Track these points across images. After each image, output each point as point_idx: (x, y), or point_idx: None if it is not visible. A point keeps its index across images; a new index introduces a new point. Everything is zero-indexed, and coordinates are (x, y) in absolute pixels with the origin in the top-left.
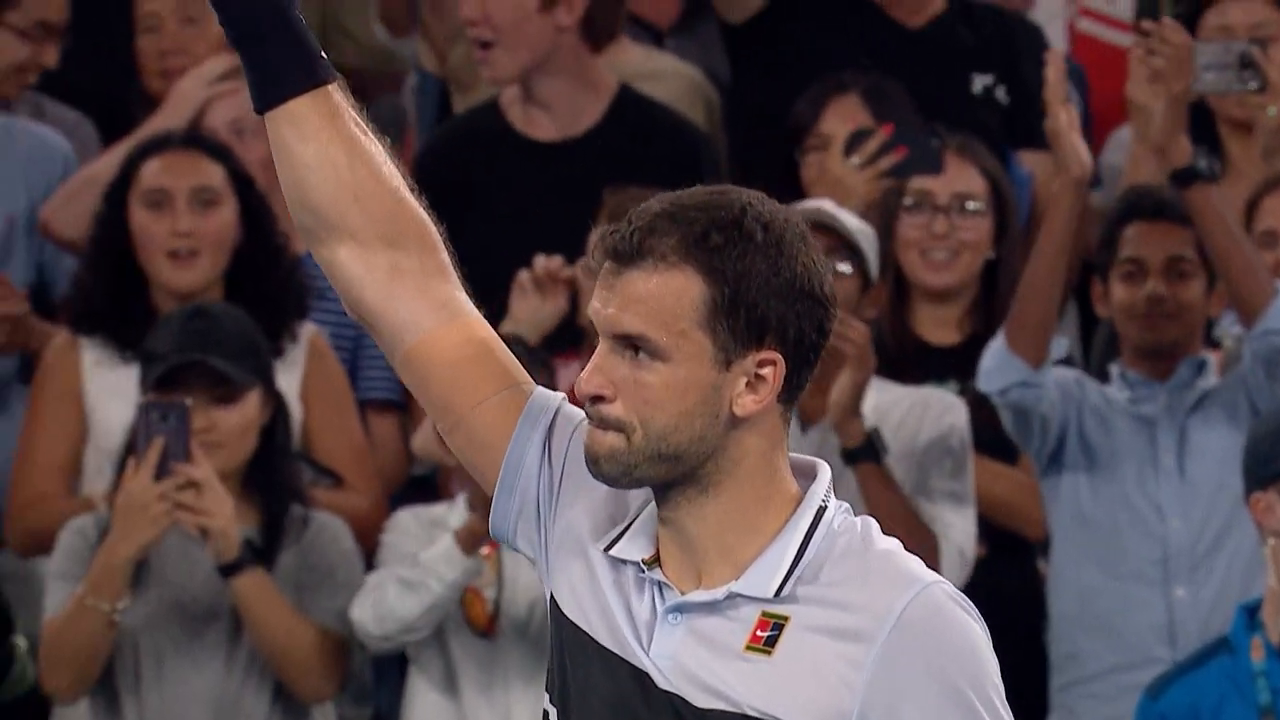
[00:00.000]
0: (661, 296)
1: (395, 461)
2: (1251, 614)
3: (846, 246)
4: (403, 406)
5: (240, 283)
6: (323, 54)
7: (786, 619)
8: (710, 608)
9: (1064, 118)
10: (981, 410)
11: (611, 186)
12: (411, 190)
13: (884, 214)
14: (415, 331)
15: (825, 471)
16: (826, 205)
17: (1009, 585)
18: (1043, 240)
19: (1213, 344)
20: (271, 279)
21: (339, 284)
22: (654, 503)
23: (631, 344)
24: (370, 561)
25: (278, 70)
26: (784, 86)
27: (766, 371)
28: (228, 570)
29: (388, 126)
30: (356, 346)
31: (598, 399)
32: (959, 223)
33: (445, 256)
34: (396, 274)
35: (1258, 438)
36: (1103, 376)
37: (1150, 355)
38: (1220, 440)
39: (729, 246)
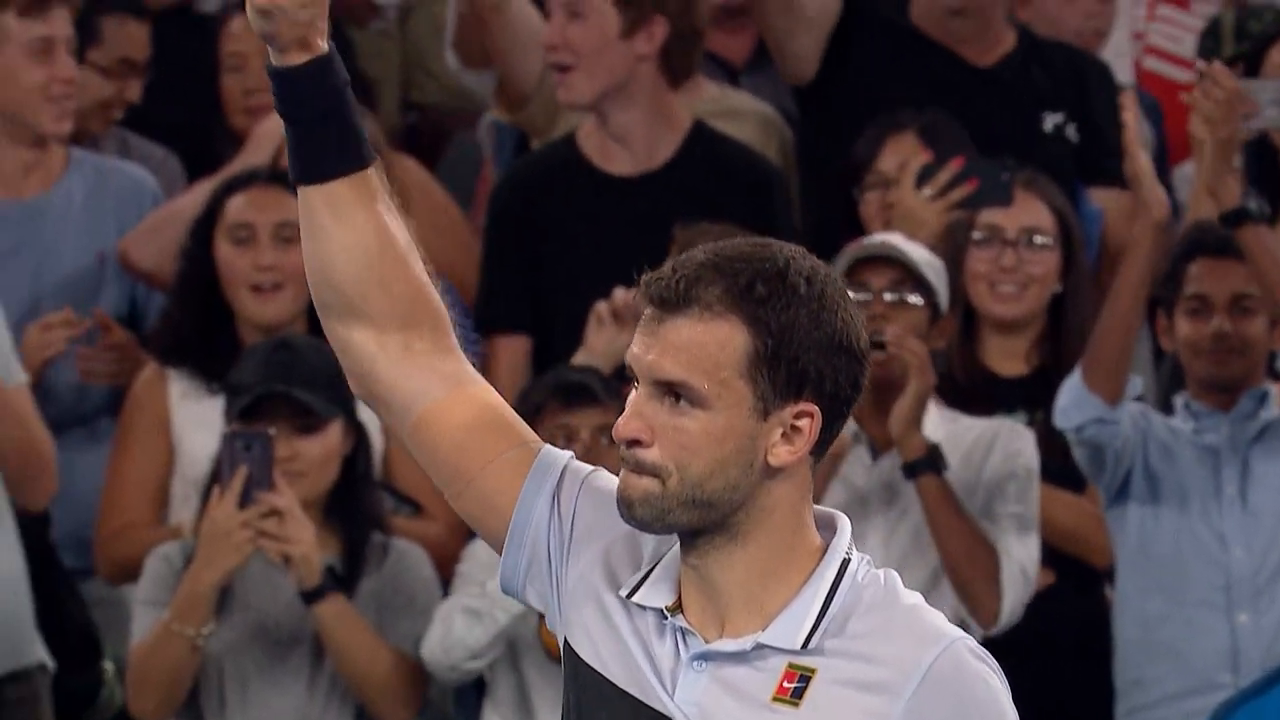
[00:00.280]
0: (705, 345)
1: None
2: None
3: (915, 279)
4: None
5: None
6: (364, 133)
7: (813, 671)
8: (736, 657)
9: (1143, 160)
10: (1050, 440)
11: (682, 222)
12: (427, 268)
13: (953, 248)
14: (424, 400)
15: (846, 524)
16: (894, 239)
17: (1076, 613)
18: (1122, 280)
19: (1275, 375)
20: None
21: (350, 360)
22: (676, 549)
23: (672, 390)
24: (449, 589)
25: (323, 149)
26: (856, 127)
27: (803, 423)
28: (310, 596)
29: (464, 163)
30: None
31: (635, 443)
32: (1027, 256)
33: (454, 337)
34: (409, 352)
35: None
36: (1167, 407)
37: (1215, 388)
38: None
39: (773, 299)
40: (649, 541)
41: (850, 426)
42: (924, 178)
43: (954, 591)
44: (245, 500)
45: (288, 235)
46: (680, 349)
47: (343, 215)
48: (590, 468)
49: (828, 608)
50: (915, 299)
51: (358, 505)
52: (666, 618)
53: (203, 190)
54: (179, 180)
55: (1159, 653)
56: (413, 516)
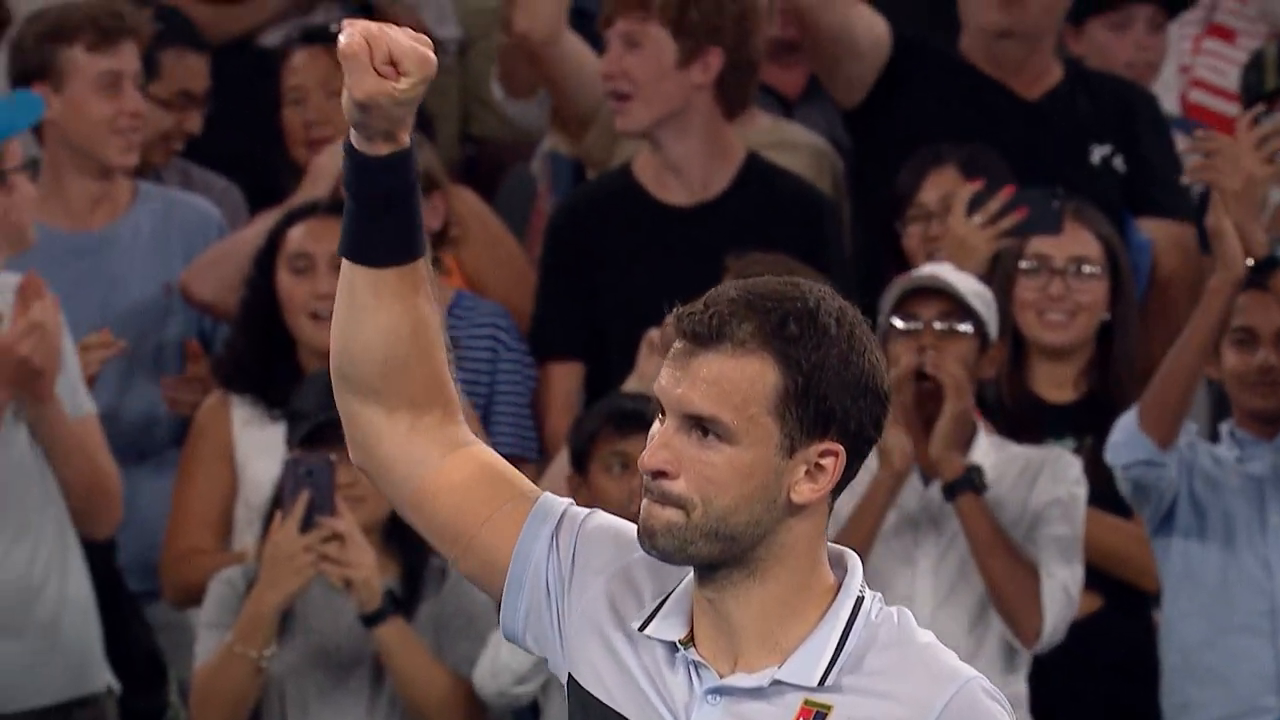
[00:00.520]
0: (736, 381)
1: None
2: None
3: (963, 309)
4: (532, 460)
5: None
6: (422, 223)
7: (830, 708)
8: (753, 693)
9: (1226, 218)
10: (1099, 465)
11: (735, 253)
12: (448, 356)
13: (1002, 277)
14: (422, 469)
15: (857, 562)
16: (943, 271)
17: (1124, 636)
18: (1191, 330)
19: None
20: None
21: (355, 430)
22: (687, 582)
23: (700, 424)
24: None
25: (382, 236)
26: (905, 158)
27: (827, 462)
28: (370, 620)
29: (520, 194)
30: (488, 403)
31: (660, 474)
32: (1075, 285)
33: (462, 420)
34: (413, 430)
35: None
36: (1213, 434)
37: (1260, 419)
38: None
39: (805, 338)
40: (655, 576)
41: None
42: (974, 205)
43: (995, 608)
44: (307, 525)
45: None
46: (711, 384)
47: (384, 300)
48: (588, 511)
49: (843, 645)
50: (964, 328)
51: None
52: (678, 650)
53: (262, 223)
54: (241, 211)
55: (1204, 677)
56: None
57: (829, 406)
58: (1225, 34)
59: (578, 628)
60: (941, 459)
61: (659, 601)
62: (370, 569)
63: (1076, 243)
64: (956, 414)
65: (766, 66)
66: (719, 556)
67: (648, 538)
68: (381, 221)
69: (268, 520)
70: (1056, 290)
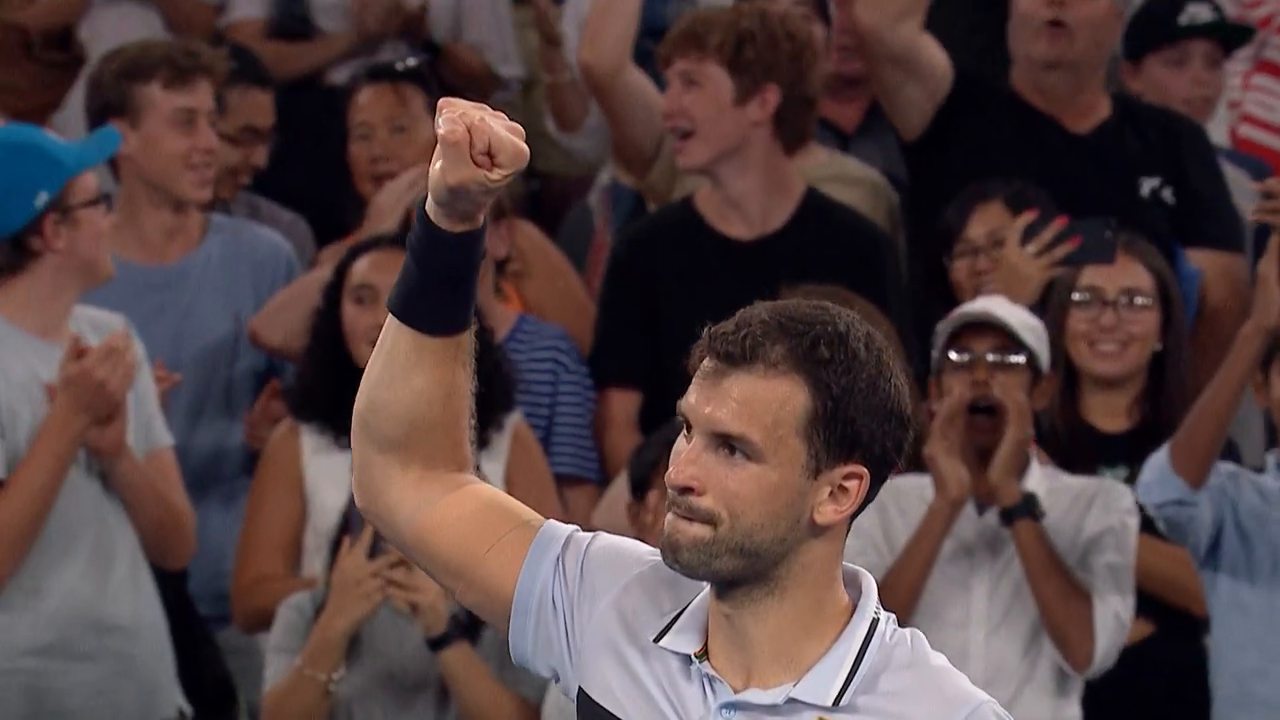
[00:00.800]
0: (766, 401)
1: None
2: None
3: (1016, 342)
4: (593, 482)
5: None
6: (475, 300)
7: None
8: (768, 710)
9: (1273, 270)
10: None
11: (788, 284)
12: (470, 422)
13: (1055, 308)
14: (426, 508)
15: (871, 582)
16: (994, 305)
17: (1176, 662)
18: (1224, 374)
19: None
20: (478, 372)
21: (366, 476)
22: (702, 597)
23: (728, 442)
24: None
25: (439, 306)
26: (959, 190)
27: (851, 484)
28: (436, 643)
29: (581, 228)
30: (549, 425)
31: (687, 489)
32: (1127, 316)
33: (472, 474)
34: (423, 480)
35: None
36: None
37: None
38: None
39: (835, 361)
40: (669, 590)
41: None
42: (1028, 235)
43: (1048, 633)
44: (374, 551)
45: None
46: (742, 403)
47: (425, 365)
48: (592, 534)
49: (858, 665)
50: (1017, 359)
51: None
52: (693, 663)
53: (327, 265)
54: (308, 244)
55: (1255, 706)
56: None
57: (856, 430)
58: (1275, 70)
59: (589, 644)
60: (1000, 485)
61: (675, 614)
62: (436, 594)
63: (1128, 274)
64: (1018, 441)
65: (825, 101)
66: (741, 572)
67: (672, 552)
68: (440, 292)
69: (335, 546)
70: (1109, 321)
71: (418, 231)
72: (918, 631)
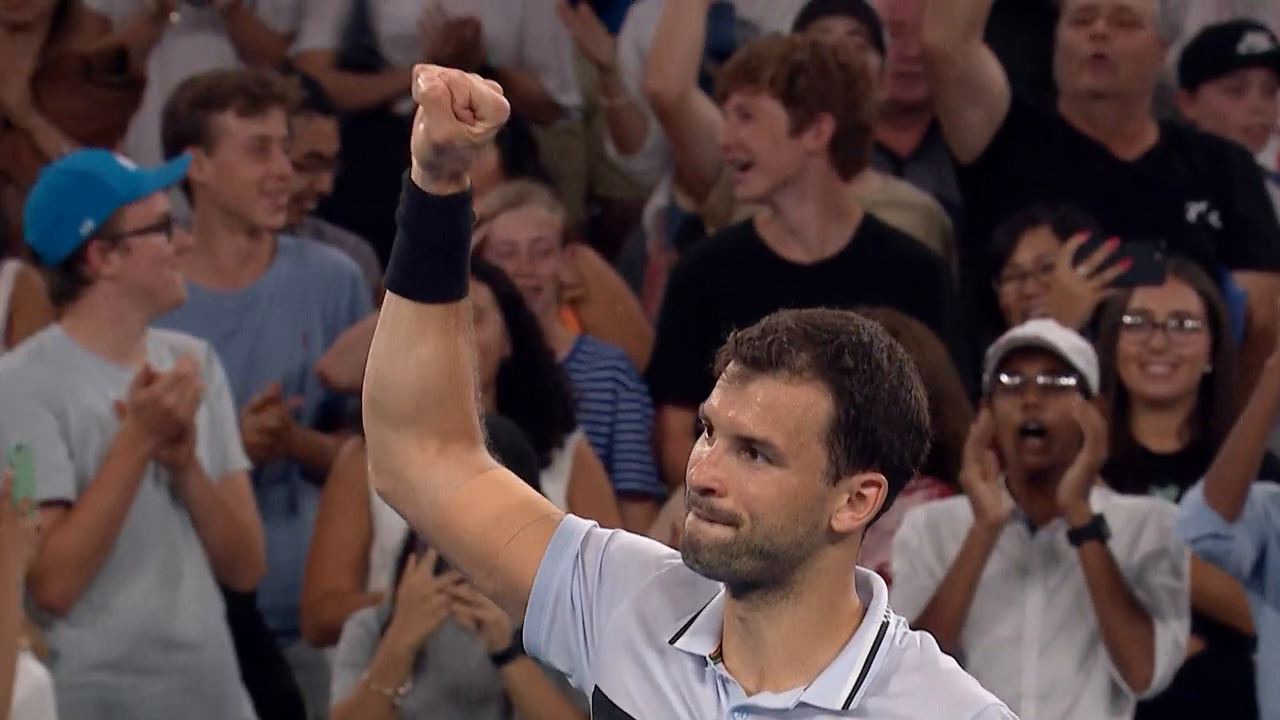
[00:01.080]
0: (790, 407)
1: None
2: None
3: (1066, 365)
4: (654, 497)
5: (511, 395)
6: (469, 266)
7: None
8: (778, 714)
9: None
10: None
11: (840, 308)
12: (477, 395)
13: (1106, 331)
14: (448, 490)
15: (882, 586)
16: (1044, 329)
17: (1225, 679)
18: (1253, 408)
19: None
20: (540, 392)
21: (383, 457)
22: (718, 600)
23: (750, 446)
24: None
25: (435, 275)
26: (1010, 214)
27: (869, 492)
28: (500, 659)
29: (638, 251)
30: (610, 442)
31: (709, 491)
32: (1176, 339)
33: (484, 447)
34: (442, 455)
35: None
36: None
37: None
38: None
39: (859, 370)
40: (687, 591)
41: (1008, 502)
42: (1080, 257)
43: (1109, 654)
44: (440, 568)
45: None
46: (766, 408)
47: (428, 335)
48: (611, 531)
49: (868, 668)
50: (1067, 382)
51: None
52: (708, 664)
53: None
54: (372, 265)
55: None
56: None
57: (876, 439)
58: None
59: (608, 644)
60: (1071, 506)
61: (691, 616)
62: (499, 610)
63: (1177, 297)
64: (1092, 463)
65: (881, 127)
66: (759, 575)
67: (692, 551)
68: (435, 259)
69: (401, 563)
70: (1159, 343)
71: (406, 202)
72: (927, 634)
